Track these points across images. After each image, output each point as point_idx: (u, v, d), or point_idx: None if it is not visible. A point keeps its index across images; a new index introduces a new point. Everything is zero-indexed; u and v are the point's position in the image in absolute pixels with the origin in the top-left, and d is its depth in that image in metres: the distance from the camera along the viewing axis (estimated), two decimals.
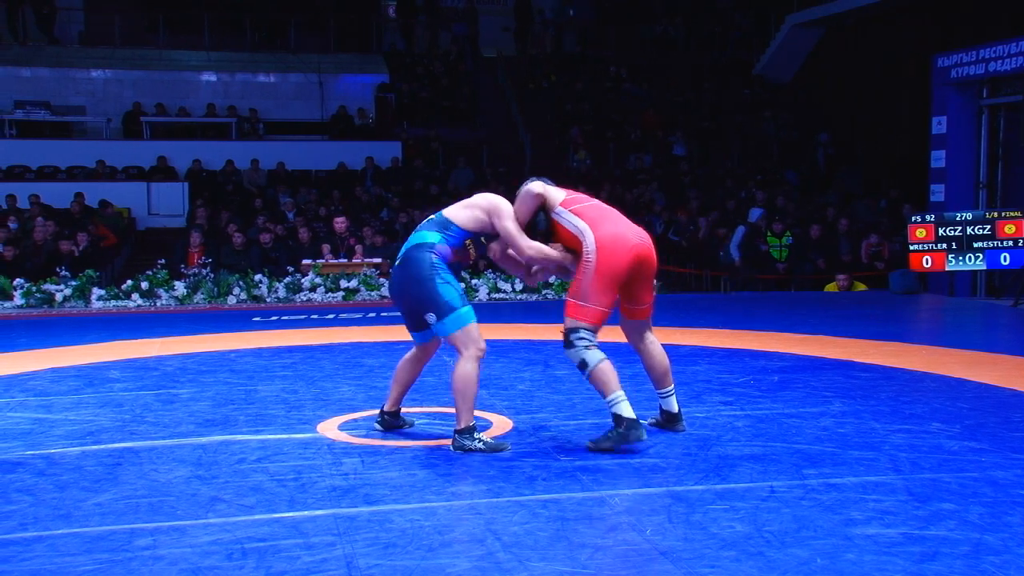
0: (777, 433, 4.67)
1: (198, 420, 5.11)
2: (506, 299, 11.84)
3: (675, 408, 4.75)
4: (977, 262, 11.18)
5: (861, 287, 12.21)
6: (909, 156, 16.26)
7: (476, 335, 4.36)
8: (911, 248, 11.53)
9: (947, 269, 11.37)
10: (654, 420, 4.82)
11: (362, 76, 19.55)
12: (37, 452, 4.47)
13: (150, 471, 4.13)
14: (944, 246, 11.28)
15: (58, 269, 11.66)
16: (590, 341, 4.35)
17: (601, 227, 4.41)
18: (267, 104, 18.78)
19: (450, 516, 3.49)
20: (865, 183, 17.02)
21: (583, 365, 4.35)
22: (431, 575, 2.96)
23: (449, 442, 4.45)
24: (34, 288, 11.29)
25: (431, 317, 4.36)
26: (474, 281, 11.96)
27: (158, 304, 11.36)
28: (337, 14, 20.78)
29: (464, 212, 4.55)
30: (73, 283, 11.38)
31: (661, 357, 4.73)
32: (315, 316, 9.96)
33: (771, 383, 5.96)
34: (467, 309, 4.36)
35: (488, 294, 11.85)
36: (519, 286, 12.05)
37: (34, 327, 9.40)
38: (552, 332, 8.44)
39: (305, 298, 11.36)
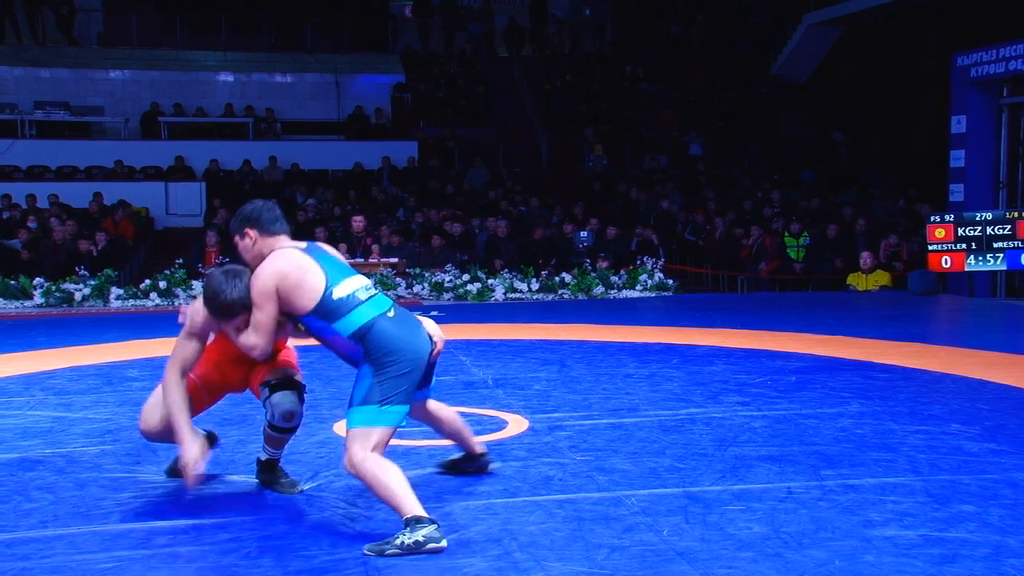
0: (794, 434, 4.65)
1: (215, 419, 5.11)
2: (522, 299, 11.83)
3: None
4: (997, 262, 11.10)
5: (884, 276, 12.15)
6: (927, 156, 16.16)
7: None
8: (930, 248, 11.46)
9: (967, 270, 11.29)
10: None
11: (378, 76, 19.61)
12: (57, 450, 4.50)
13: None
14: (964, 246, 11.20)
15: (77, 268, 11.74)
16: None
17: None
18: (284, 104, 18.86)
19: (466, 516, 3.49)
20: (884, 183, 16.94)
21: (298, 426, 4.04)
22: (448, 575, 2.96)
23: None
24: (53, 287, 11.37)
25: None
26: (491, 281, 11.97)
27: (176, 303, 11.42)
28: (353, 14, 20.83)
29: None
30: (92, 282, 11.46)
31: None
32: None
33: (788, 383, 5.93)
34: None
35: (504, 294, 11.85)
36: (535, 286, 12.04)
37: (53, 326, 9.46)
38: (568, 332, 8.45)
39: None
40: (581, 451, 4.38)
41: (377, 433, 3.27)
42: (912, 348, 7.36)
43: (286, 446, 3.88)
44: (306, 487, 3.89)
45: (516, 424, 4.91)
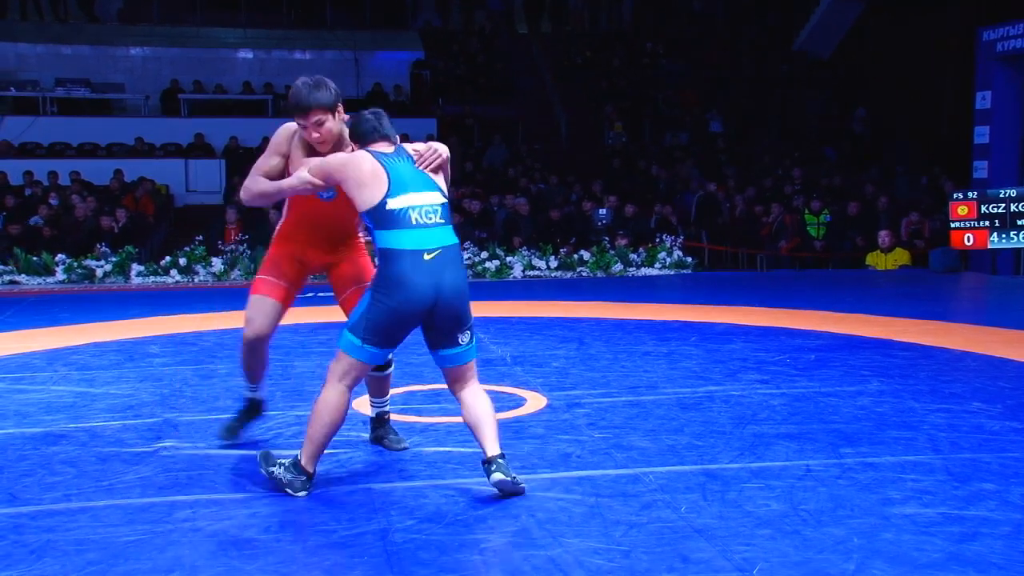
0: (813, 412, 4.64)
1: (236, 395, 5.15)
2: (540, 276, 11.83)
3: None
4: (1021, 240, 10.99)
5: (904, 255, 12.08)
6: (951, 132, 15.99)
7: None
8: (952, 226, 11.36)
9: (989, 247, 11.18)
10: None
11: (397, 53, 19.54)
12: (80, 425, 4.55)
13: (189, 445, 4.18)
14: (987, 223, 11.09)
15: (98, 245, 11.82)
16: None
17: None
18: None
19: (485, 492, 3.50)
20: (907, 160, 16.77)
21: (392, 361, 4.17)
22: (465, 550, 2.98)
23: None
24: (75, 264, 11.46)
25: (466, 336, 3.55)
26: (509, 259, 11.96)
27: (196, 280, 11.49)
28: None
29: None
30: (113, 259, 11.55)
31: None
32: None
33: (808, 362, 5.91)
34: None
35: (523, 271, 11.85)
36: (554, 264, 12.02)
37: (75, 302, 9.54)
38: (587, 309, 8.44)
39: None
40: (599, 428, 4.38)
41: (351, 362, 3.46)
42: (933, 326, 7.31)
43: (389, 392, 4.14)
44: (407, 444, 4.09)
45: (534, 401, 4.92)
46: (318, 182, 3.57)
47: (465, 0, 21.11)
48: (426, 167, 3.56)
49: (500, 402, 4.91)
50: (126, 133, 16.68)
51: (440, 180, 3.60)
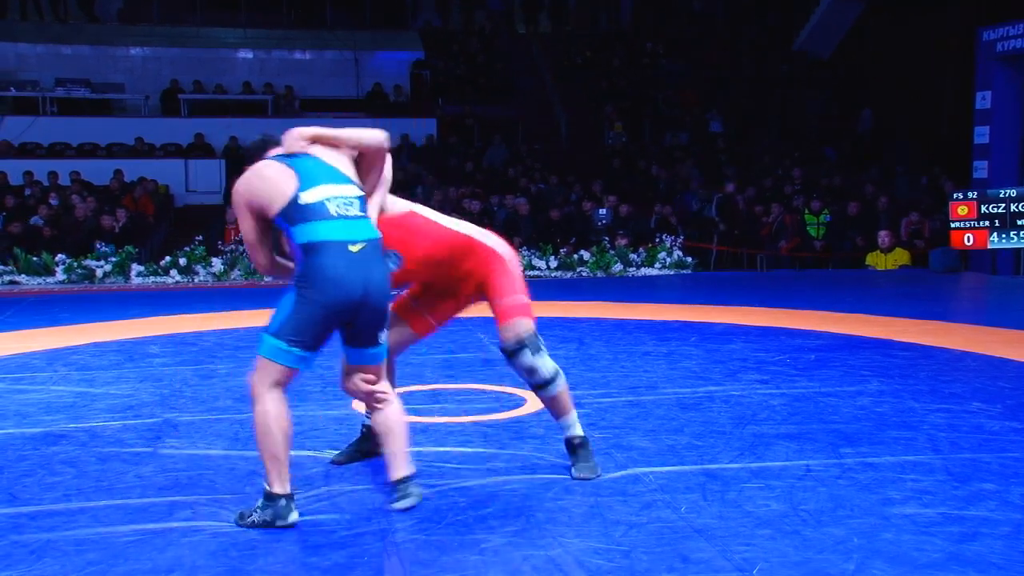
0: (813, 412, 4.64)
1: (235, 395, 5.17)
2: (540, 276, 11.83)
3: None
4: (1020, 240, 10.99)
5: (904, 255, 12.09)
6: (951, 132, 16.00)
7: None
8: (952, 226, 11.36)
9: (989, 247, 11.19)
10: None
11: (397, 53, 19.55)
12: (80, 425, 4.55)
13: (189, 445, 4.18)
14: (987, 223, 11.10)
15: (97, 245, 11.83)
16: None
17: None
18: (303, 81, 18.83)
19: (484, 492, 3.50)
20: (907, 160, 16.77)
21: (551, 379, 3.63)
22: (466, 550, 2.98)
23: (485, 417, 4.44)
24: (75, 264, 11.46)
25: (384, 334, 3.41)
26: None
27: (196, 280, 11.50)
28: None
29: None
30: (113, 259, 11.55)
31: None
32: None
33: (808, 362, 5.91)
34: None
35: (522, 271, 11.85)
36: (554, 264, 12.02)
37: (75, 302, 9.54)
38: (587, 310, 8.44)
39: None
40: (599, 428, 4.37)
41: (278, 370, 3.20)
42: (933, 326, 7.31)
43: (562, 408, 3.69)
44: (599, 474, 3.67)
45: (534, 401, 4.90)
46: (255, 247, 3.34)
47: (465, 0, 21.11)
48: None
49: (500, 402, 4.92)
50: (126, 133, 16.69)
51: (353, 173, 3.35)
